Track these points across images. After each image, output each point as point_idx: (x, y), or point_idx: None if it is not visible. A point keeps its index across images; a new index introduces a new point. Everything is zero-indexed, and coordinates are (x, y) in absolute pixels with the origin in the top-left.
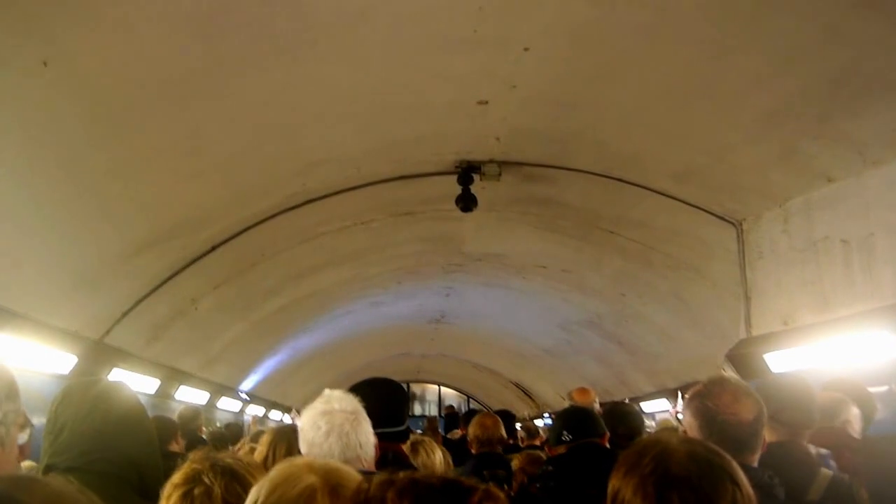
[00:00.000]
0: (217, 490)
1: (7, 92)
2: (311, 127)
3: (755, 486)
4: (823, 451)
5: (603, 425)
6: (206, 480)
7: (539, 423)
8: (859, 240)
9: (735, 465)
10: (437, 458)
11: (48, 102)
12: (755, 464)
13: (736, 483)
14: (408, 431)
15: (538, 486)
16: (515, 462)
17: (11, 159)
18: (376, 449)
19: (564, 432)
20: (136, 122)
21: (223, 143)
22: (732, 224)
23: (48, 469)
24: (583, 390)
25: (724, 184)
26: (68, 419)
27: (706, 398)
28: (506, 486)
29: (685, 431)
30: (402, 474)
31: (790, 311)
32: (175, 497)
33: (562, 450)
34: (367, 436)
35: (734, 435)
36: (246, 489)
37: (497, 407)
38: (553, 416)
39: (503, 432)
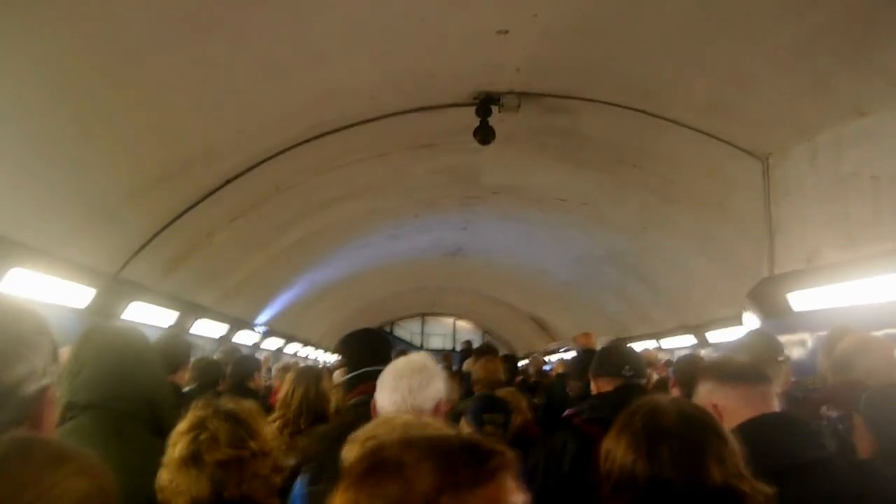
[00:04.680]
0: (222, 435)
1: (18, 25)
2: (325, 58)
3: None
4: (833, 414)
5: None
6: (211, 426)
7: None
8: (890, 176)
9: (720, 422)
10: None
11: (60, 36)
12: None
13: (722, 438)
14: None
15: (585, 417)
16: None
17: (23, 94)
18: (438, 409)
19: (627, 367)
20: (148, 55)
21: (237, 76)
22: (758, 159)
23: (69, 406)
24: (587, 334)
25: (750, 117)
26: (88, 359)
27: None
28: (501, 431)
29: None
30: (421, 436)
31: (815, 248)
32: (182, 444)
33: (606, 386)
34: (429, 392)
35: None
36: (249, 433)
37: (514, 341)
38: (608, 348)
39: (502, 376)
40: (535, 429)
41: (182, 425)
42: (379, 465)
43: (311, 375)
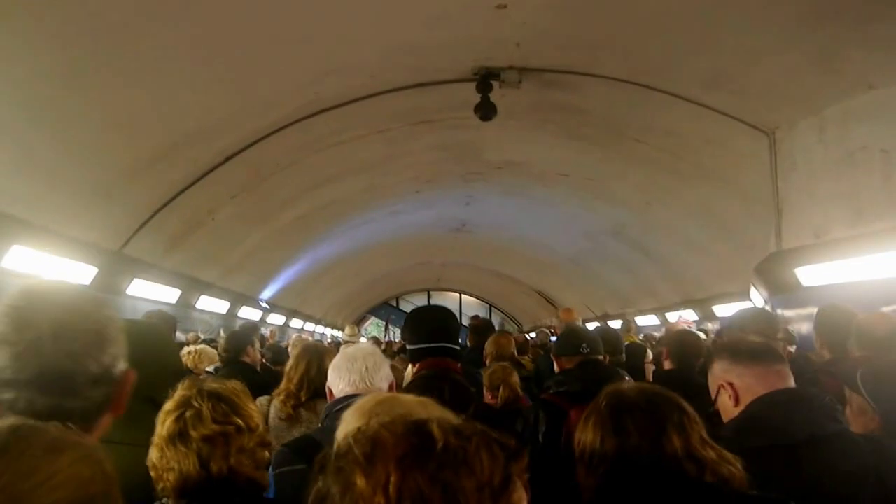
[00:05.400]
0: (206, 412)
1: (12, 3)
2: (323, 34)
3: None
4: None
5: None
6: (196, 404)
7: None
8: None
9: (680, 398)
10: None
11: (52, 13)
12: None
13: (682, 409)
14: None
15: (552, 392)
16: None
17: (20, 72)
18: (392, 390)
19: (584, 345)
20: (143, 30)
21: (233, 52)
22: (765, 133)
23: None
24: (568, 309)
25: (756, 91)
26: None
27: None
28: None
29: None
30: (461, 424)
31: (823, 223)
32: (169, 422)
33: (567, 363)
34: (383, 373)
35: None
36: (233, 409)
37: (519, 315)
38: (567, 330)
39: (514, 350)
40: (524, 401)
41: (168, 405)
42: (441, 450)
43: (315, 352)
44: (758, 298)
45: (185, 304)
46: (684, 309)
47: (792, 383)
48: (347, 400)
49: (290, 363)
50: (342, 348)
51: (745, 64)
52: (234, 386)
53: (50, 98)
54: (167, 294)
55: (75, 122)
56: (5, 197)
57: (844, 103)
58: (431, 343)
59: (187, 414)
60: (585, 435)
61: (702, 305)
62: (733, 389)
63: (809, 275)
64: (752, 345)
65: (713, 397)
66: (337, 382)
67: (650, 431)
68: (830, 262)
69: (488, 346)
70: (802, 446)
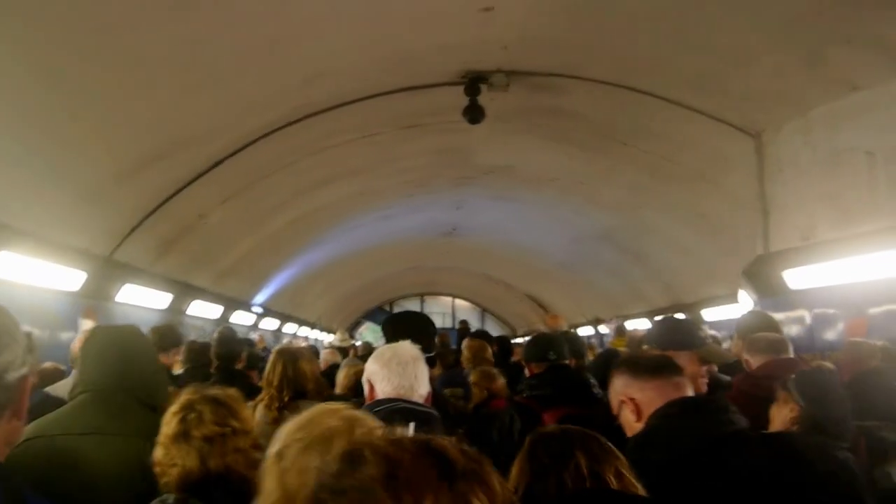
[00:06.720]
0: (207, 414)
1: None
2: (311, 38)
3: None
4: None
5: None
6: (198, 407)
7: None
8: (886, 151)
9: (600, 436)
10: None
11: (40, 15)
12: None
13: (597, 439)
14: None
15: (525, 395)
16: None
17: (4, 76)
18: (428, 397)
19: (551, 352)
20: (130, 35)
21: (222, 56)
22: (751, 135)
23: (75, 386)
24: (554, 316)
25: (742, 93)
26: (91, 350)
27: None
28: (462, 403)
29: None
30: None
31: (810, 225)
32: (174, 422)
33: (536, 369)
34: (425, 381)
35: None
36: (231, 413)
37: (513, 319)
38: (536, 337)
39: (489, 354)
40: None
41: (173, 407)
42: (463, 471)
43: (289, 355)
44: (747, 301)
45: (177, 309)
46: (677, 313)
47: (689, 393)
48: (389, 403)
49: (266, 368)
50: (323, 354)
51: (732, 66)
52: (232, 392)
53: (37, 102)
54: (158, 300)
55: (63, 127)
56: None
57: (830, 105)
58: None
59: (190, 416)
60: (512, 472)
61: (691, 309)
62: (635, 404)
63: (796, 278)
64: (651, 359)
65: (615, 413)
66: (382, 382)
67: (558, 454)
68: (816, 265)
69: (464, 352)
70: (699, 453)
